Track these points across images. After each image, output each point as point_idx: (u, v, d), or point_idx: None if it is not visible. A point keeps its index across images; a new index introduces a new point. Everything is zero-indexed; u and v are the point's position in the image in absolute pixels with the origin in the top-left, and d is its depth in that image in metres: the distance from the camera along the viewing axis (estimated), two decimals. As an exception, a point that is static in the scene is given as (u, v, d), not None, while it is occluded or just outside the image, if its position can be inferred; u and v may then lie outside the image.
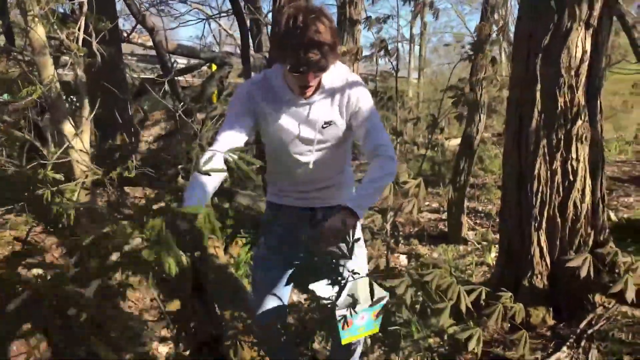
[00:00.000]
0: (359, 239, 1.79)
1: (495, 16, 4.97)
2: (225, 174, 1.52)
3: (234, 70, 9.46)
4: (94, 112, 3.59)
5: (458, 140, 6.03)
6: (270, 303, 1.90)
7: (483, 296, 2.27)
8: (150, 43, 8.24)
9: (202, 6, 8.40)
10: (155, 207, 1.52)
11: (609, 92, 10.96)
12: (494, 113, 6.17)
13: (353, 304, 1.64)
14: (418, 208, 2.52)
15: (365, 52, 4.37)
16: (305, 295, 3.29)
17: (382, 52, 3.90)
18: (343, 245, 1.60)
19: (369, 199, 1.67)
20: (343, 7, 5.17)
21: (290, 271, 1.75)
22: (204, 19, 8.56)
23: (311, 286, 1.70)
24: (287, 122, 1.70)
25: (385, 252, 3.59)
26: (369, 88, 1.82)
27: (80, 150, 3.50)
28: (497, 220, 4.32)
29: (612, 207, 5.42)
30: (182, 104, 6.07)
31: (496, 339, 2.99)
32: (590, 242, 3.13)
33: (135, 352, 2.94)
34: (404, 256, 4.67)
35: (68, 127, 3.47)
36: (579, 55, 3.07)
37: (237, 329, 2.96)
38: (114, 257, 1.42)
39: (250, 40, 7.49)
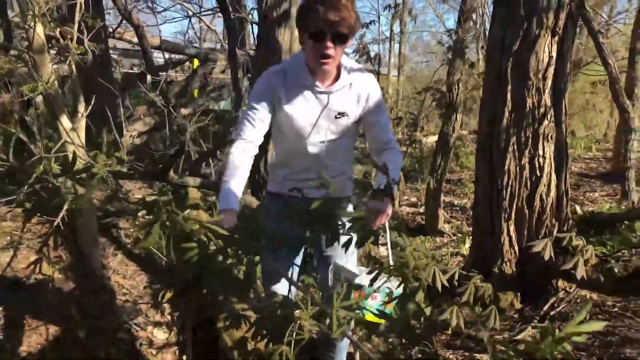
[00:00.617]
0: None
1: (471, 22, 5.23)
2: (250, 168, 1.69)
3: (217, 66, 9.59)
4: (90, 108, 3.73)
5: (436, 138, 6.29)
6: (280, 289, 2.00)
7: (456, 277, 2.51)
8: (134, 39, 8.33)
9: (186, 3, 8.51)
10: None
11: (580, 92, 11.39)
12: (470, 112, 6.45)
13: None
14: (398, 201, 2.73)
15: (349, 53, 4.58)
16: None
17: (364, 57, 4.12)
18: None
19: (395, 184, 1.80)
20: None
21: (296, 257, 1.90)
22: (189, 16, 8.68)
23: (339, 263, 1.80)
24: (304, 107, 1.76)
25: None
26: None
27: (77, 144, 3.65)
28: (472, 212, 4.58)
29: (579, 202, 5.75)
30: (166, 99, 6.19)
31: (468, 321, 3.25)
32: (555, 232, 3.40)
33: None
34: (384, 247, 4.91)
35: (65, 122, 3.61)
36: (545, 60, 3.34)
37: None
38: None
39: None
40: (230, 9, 6.31)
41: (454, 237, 5.09)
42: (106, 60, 6.18)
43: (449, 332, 3.11)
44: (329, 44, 1.61)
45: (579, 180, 6.97)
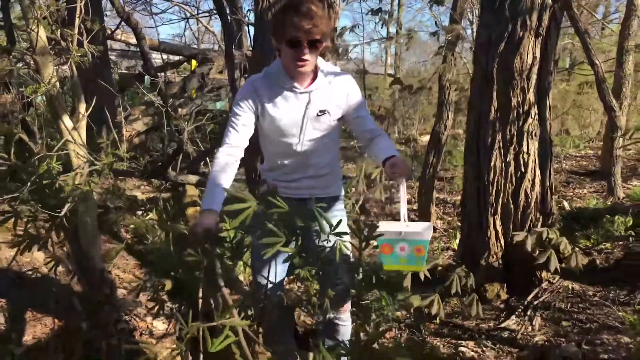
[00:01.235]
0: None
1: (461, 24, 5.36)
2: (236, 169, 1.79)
3: (214, 67, 9.71)
4: (91, 109, 3.85)
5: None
6: (271, 290, 2.04)
7: (439, 267, 2.65)
8: (132, 40, 8.44)
9: (184, 5, 8.63)
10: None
11: (574, 91, 11.52)
12: (461, 111, 6.58)
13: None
14: (381, 192, 2.87)
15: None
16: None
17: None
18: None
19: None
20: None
21: (286, 257, 1.91)
22: (186, 18, 8.80)
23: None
24: (285, 107, 1.85)
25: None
26: None
27: (77, 144, 3.77)
28: (462, 209, 4.70)
29: (567, 198, 5.89)
30: (164, 100, 6.30)
31: (456, 311, 3.38)
32: (539, 226, 3.53)
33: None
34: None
35: (67, 122, 3.72)
36: (529, 60, 3.47)
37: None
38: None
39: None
40: (227, 11, 6.43)
41: (446, 233, 5.22)
42: (105, 61, 6.29)
43: (438, 321, 3.24)
44: (305, 50, 1.72)
45: (569, 177, 7.11)
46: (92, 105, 3.91)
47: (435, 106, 6.06)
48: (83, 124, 4.04)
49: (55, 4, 3.66)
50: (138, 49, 8.11)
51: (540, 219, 3.55)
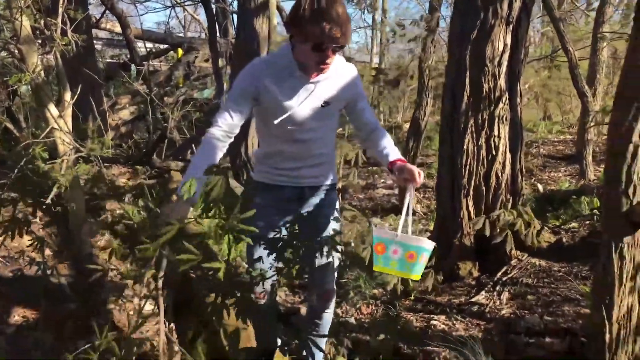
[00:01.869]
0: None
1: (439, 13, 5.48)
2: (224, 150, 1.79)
3: (200, 55, 9.76)
4: (76, 97, 3.93)
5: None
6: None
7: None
8: (117, 29, 8.47)
9: (168, -7, 8.65)
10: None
11: (556, 78, 11.71)
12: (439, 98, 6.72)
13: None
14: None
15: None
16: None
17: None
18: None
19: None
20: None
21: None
22: (171, 6, 8.82)
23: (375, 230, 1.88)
24: (291, 97, 1.81)
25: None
26: None
27: (63, 131, 3.86)
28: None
29: (543, 181, 6.09)
30: (150, 88, 6.38)
31: (430, 289, 3.54)
32: (510, 207, 3.70)
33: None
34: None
35: (53, 110, 3.81)
36: (500, 48, 3.61)
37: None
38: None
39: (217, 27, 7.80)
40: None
41: (425, 216, 5.39)
42: (90, 50, 6.34)
43: (412, 297, 3.40)
44: (330, 54, 1.71)
45: (545, 161, 7.32)
46: (77, 93, 4.00)
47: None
48: (69, 111, 4.13)
49: (38, -7, 3.72)
50: (123, 38, 8.14)
51: (511, 200, 3.72)
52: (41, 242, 2.83)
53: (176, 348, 2.88)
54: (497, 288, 3.31)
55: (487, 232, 3.34)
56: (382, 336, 2.84)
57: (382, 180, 6.83)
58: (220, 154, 1.81)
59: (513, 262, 3.53)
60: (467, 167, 3.67)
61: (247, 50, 5.51)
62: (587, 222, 3.99)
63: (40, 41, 4.29)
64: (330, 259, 2.00)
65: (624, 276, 2.14)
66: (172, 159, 5.32)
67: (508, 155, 3.72)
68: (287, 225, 1.89)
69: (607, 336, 2.15)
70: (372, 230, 1.87)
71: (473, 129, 3.67)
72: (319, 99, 1.85)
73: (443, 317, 3.11)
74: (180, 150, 5.97)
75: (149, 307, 3.67)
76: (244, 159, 5.53)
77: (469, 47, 3.65)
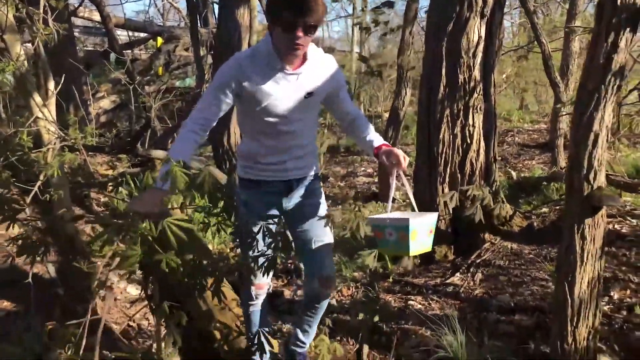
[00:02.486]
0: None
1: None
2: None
3: (180, 44, 9.73)
4: (60, 86, 3.96)
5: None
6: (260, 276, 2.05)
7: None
8: (95, 17, 8.41)
9: (148, -19, 8.60)
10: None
11: (533, 68, 11.97)
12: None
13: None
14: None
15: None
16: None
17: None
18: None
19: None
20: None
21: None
22: (150, -6, 8.77)
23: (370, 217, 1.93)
24: (275, 88, 1.81)
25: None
26: None
27: (47, 120, 3.90)
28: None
29: (517, 169, 6.30)
30: (131, 77, 6.39)
31: (408, 271, 3.70)
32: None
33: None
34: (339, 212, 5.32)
35: (37, 99, 3.84)
36: (475, 40, 3.76)
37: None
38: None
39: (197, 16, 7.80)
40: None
41: (404, 203, 5.54)
42: (70, 38, 6.32)
43: (390, 279, 3.55)
44: (300, 34, 1.69)
45: (520, 149, 7.56)
46: (61, 83, 4.03)
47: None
48: (52, 100, 4.17)
49: (21, -17, 3.74)
50: (101, 26, 8.10)
51: (485, 187, 3.88)
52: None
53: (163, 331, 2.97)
54: (471, 270, 3.48)
55: (453, 204, 3.51)
56: (361, 316, 2.99)
57: (362, 169, 6.98)
58: (195, 147, 1.85)
59: (486, 245, 3.71)
60: (443, 155, 3.82)
61: (228, 39, 5.57)
62: (557, 207, 4.19)
63: (21, 31, 4.31)
64: (326, 242, 2.05)
65: (585, 255, 2.30)
66: (154, 147, 5.38)
67: (482, 143, 3.88)
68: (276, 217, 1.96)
69: (569, 311, 2.31)
70: (368, 220, 1.93)
71: (449, 119, 3.82)
72: (302, 90, 1.86)
73: (420, 297, 3.27)
74: (162, 139, 6.02)
75: (135, 291, 3.77)
76: (226, 147, 5.62)
77: (445, 39, 3.79)
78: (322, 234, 2.04)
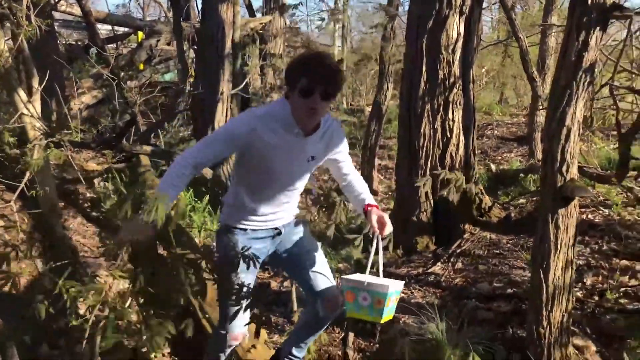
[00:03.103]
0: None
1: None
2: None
3: (162, 38, 9.69)
4: (44, 82, 3.97)
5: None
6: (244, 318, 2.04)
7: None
8: (76, 11, 8.33)
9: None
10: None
11: (512, 63, 12.18)
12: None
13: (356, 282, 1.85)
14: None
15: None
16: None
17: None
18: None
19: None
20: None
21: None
22: (131, -12, 8.73)
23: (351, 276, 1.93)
24: (282, 152, 1.83)
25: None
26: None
27: (32, 116, 3.91)
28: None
29: (496, 161, 6.46)
30: (114, 72, 6.36)
31: (391, 262, 3.81)
32: (463, 185, 3.99)
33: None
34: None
35: (22, 95, 3.84)
36: (454, 36, 3.86)
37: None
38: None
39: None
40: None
41: (386, 195, 5.66)
42: (51, 33, 6.27)
43: (374, 270, 3.65)
44: (317, 99, 1.73)
45: (499, 142, 7.73)
46: (46, 79, 4.04)
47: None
48: (37, 97, 4.17)
49: (5, -21, 3.74)
50: (82, 19, 8.03)
51: (462, 174, 4.00)
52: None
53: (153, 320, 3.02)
54: (451, 260, 3.60)
55: (426, 189, 3.62)
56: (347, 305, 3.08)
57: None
58: (184, 184, 1.82)
59: (466, 235, 3.83)
60: (424, 148, 3.93)
61: (211, 35, 5.60)
62: (534, 198, 4.34)
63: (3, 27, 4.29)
64: (322, 264, 2.07)
65: (559, 243, 2.42)
66: (138, 143, 5.39)
67: (461, 137, 4.00)
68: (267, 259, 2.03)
69: (544, 296, 2.43)
70: (342, 281, 1.93)
71: (429, 113, 3.92)
72: (307, 153, 1.88)
73: (400, 293, 3.37)
74: (145, 134, 6.03)
75: (122, 285, 3.81)
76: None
77: (425, 36, 3.88)
78: (315, 259, 2.05)
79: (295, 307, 3.00)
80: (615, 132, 5.04)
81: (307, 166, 1.94)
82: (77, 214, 4.20)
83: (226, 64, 5.65)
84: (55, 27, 10.40)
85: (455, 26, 3.85)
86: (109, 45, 8.52)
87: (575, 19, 2.21)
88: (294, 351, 2.22)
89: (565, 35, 2.36)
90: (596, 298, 2.92)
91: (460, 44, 3.89)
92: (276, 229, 2.02)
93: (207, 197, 4.61)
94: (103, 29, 9.78)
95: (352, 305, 1.86)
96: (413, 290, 3.30)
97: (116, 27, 10.15)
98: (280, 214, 2.01)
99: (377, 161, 6.08)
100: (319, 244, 2.14)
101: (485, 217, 3.94)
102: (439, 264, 3.58)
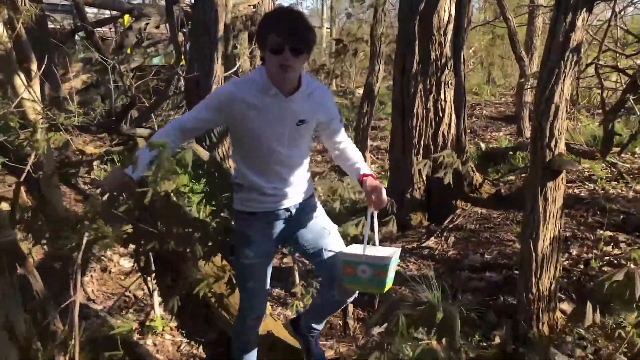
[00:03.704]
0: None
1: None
2: None
3: (152, 22, 9.64)
4: (44, 67, 4.02)
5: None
6: (260, 306, 2.09)
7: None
8: (64, -6, 8.26)
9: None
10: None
11: (500, 43, 12.30)
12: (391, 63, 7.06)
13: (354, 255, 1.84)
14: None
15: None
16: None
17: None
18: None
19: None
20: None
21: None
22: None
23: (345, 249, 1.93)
24: (267, 116, 1.82)
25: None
26: None
27: (33, 100, 3.97)
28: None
29: (485, 140, 6.61)
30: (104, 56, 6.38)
31: (387, 237, 3.95)
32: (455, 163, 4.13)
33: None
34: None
35: (18, 80, 3.88)
36: (446, 18, 3.97)
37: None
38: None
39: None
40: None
41: (379, 175, 5.79)
42: (42, 17, 6.25)
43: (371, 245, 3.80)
44: (287, 55, 1.71)
45: (488, 122, 7.89)
46: (44, 64, 4.08)
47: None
48: (36, 81, 4.22)
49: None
50: (68, 2, 7.99)
51: (456, 157, 4.14)
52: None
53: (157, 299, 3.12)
54: (444, 234, 3.75)
55: (425, 172, 3.76)
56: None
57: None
58: (173, 141, 1.83)
59: (458, 211, 3.98)
60: (417, 128, 4.06)
61: (205, 18, 5.63)
62: (523, 175, 4.50)
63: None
64: (336, 250, 2.03)
65: (547, 215, 2.57)
66: (135, 126, 5.44)
67: (453, 117, 4.13)
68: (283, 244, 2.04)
69: (534, 265, 2.58)
70: (339, 255, 1.93)
71: (422, 94, 4.04)
72: (294, 116, 1.85)
73: (398, 260, 3.52)
74: (141, 117, 6.07)
75: (128, 264, 3.92)
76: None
77: (417, 18, 3.98)
78: (330, 243, 2.01)
79: (297, 281, 3.14)
80: (600, 110, 5.22)
81: (298, 131, 1.88)
82: (78, 196, 4.28)
83: (219, 47, 5.69)
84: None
85: (447, 8, 3.95)
86: (99, 29, 8.46)
87: (564, 1, 2.32)
88: (314, 325, 2.25)
89: (553, 17, 2.47)
90: (581, 267, 3.09)
91: (451, 25, 4.00)
92: (287, 210, 1.96)
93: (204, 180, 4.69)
94: (91, 13, 9.69)
95: (351, 278, 1.84)
96: (408, 264, 3.45)
97: (102, 10, 10.07)
98: (287, 191, 1.95)
99: (369, 142, 6.19)
100: (335, 226, 2.09)
101: (476, 194, 4.09)
102: (432, 238, 3.73)
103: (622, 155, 4.65)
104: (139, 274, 3.78)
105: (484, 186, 4.22)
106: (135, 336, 2.85)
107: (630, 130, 4.42)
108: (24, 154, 3.68)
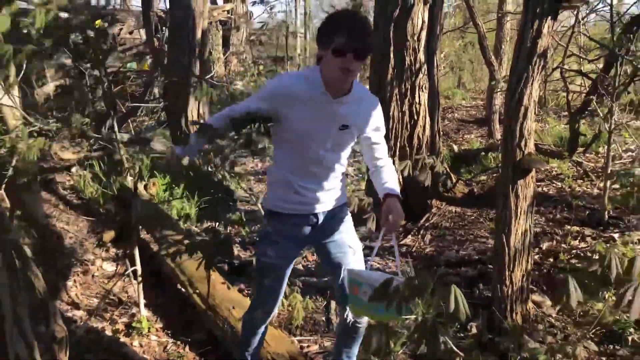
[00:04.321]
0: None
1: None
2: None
3: (125, 27, 9.62)
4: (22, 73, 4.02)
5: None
6: (272, 303, 2.09)
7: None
8: (36, -1, 8.18)
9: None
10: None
11: (469, 48, 12.62)
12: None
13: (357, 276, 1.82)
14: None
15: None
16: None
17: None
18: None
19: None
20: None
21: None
22: (92, -24, 8.63)
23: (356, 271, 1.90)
24: (314, 113, 1.81)
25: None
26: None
27: (11, 106, 3.96)
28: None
29: (457, 142, 6.81)
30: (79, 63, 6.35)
31: (366, 237, 4.06)
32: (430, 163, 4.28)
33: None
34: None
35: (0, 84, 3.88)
36: (419, 24, 4.11)
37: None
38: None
39: None
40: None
41: (357, 177, 5.92)
42: (16, 22, 6.20)
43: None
44: (351, 59, 1.70)
45: (459, 125, 8.12)
46: (23, 69, 4.08)
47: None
48: (15, 86, 4.21)
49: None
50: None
51: (431, 157, 4.29)
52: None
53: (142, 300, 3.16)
54: (421, 232, 3.89)
55: (406, 173, 3.89)
56: (326, 278, 3.33)
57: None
58: (222, 125, 1.87)
59: (433, 210, 4.13)
60: (393, 131, 4.19)
61: (182, 23, 5.68)
62: (494, 175, 4.68)
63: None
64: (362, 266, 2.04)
65: (519, 211, 2.71)
66: (112, 131, 5.43)
67: (427, 119, 4.28)
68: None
69: (507, 258, 2.71)
70: (345, 274, 1.91)
71: (397, 97, 4.17)
72: (338, 120, 1.83)
73: (377, 258, 3.64)
74: (120, 122, 6.07)
75: (111, 268, 3.93)
76: (184, 130, 5.76)
77: (392, 24, 4.11)
78: (351, 263, 2.00)
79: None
80: (566, 112, 5.46)
81: (342, 136, 1.86)
82: (57, 201, 4.28)
83: (196, 52, 5.75)
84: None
85: (420, 15, 4.10)
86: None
87: (531, 10, 2.48)
88: (345, 358, 2.23)
89: (521, 24, 2.63)
90: (551, 260, 3.26)
91: (425, 31, 4.14)
92: (316, 216, 1.93)
93: (183, 185, 4.74)
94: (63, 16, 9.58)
95: (354, 298, 1.81)
96: (387, 261, 3.57)
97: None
98: (319, 196, 1.92)
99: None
100: (361, 246, 2.08)
101: (451, 193, 4.25)
102: (409, 236, 3.87)
103: (587, 154, 4.89)
104: (123, 276, 3.81)
105: (458, 186, 4.38)
106: (122, 337, 2.88)
107: (594, 130, 4.65)
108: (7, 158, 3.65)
